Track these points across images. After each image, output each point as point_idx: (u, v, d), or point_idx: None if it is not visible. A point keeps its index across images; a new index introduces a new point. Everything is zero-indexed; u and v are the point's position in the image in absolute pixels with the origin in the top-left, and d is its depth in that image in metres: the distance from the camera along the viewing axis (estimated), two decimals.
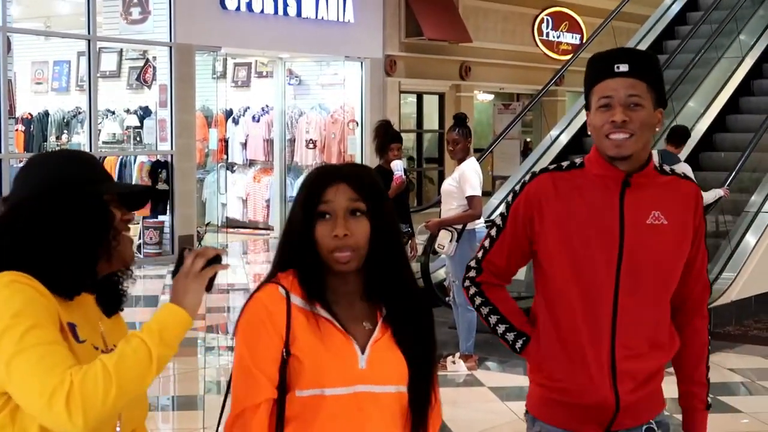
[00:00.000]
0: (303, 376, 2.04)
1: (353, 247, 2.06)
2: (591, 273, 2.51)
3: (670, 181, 2.58)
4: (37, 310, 1.88)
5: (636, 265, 2.50)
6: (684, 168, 9.06)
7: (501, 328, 2.65)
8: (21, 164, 2.09)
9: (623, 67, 2.48)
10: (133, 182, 12.28)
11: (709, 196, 9.17)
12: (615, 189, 2.52)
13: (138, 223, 12.44)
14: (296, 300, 2.07)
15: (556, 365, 2.57)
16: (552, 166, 2.64)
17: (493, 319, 2.66)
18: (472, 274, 2.69)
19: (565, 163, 2.64)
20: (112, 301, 2.13)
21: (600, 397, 2.53)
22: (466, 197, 7.09)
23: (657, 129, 2.53)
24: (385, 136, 8.40)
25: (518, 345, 2.63)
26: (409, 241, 7.97)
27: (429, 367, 2.16)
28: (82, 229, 1.98)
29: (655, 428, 2.60)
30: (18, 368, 1.82)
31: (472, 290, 2.68)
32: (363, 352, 2.09)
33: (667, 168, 2.62)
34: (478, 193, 7.12)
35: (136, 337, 1.89)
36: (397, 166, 8.34)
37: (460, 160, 7.24)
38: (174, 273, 2.00)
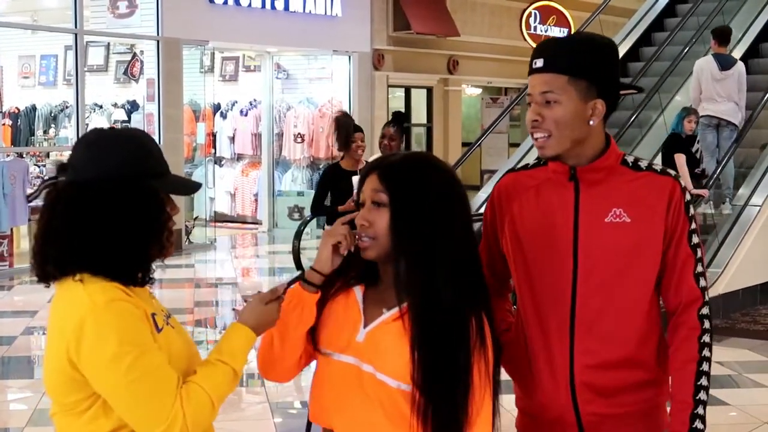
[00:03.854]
0: (320, 336, 2.21)
1: (371, 235, 2.11)
2: (542, 275, 2.36)
3: (641, 176, 2.36)
4: (139, 332, 2.01)
5: (593, 266, 2.32)
6: (740, 68, 9.64)
7: None
8: (87, 135, 2.14)
9: (539, 63, 2.32)
10: None
11: None
12: (569, 185, 2.36)
13: None
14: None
15: (520, 374, 2.47)
16: (520, 165, 2.53)
17: None
18: None
19: (532, 162, 2.51)
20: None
21: (557, 412, 2.38)
22: None
23: (592, 122, 2.31)
24: (347, 127, 7.62)
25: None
26: None
27: (449, 371, 2.04)
28: (140, 226, 2.08)
29: None
30: (130, 397, 1.98)
31: None
32: (366, 327, 2.14)
33: (643, 163, 2.38)
34: None
35: (218, 361, 2.11)
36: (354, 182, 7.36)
37: None
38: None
